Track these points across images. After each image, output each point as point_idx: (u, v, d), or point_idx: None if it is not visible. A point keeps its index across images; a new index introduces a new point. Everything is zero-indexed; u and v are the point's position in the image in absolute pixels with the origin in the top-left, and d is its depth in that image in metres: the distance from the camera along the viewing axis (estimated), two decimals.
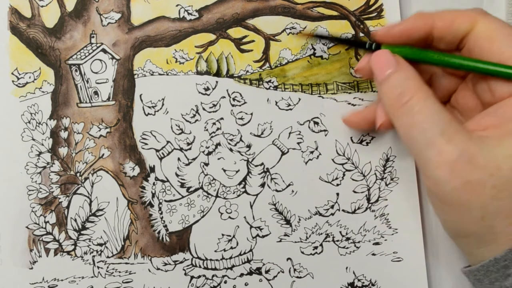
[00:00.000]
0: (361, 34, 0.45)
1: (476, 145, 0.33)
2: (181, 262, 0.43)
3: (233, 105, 0.44)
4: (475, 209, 0.33)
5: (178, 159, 0.44)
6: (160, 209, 0.43)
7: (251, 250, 0.43)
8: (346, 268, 0.43)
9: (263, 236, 0.43)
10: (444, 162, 0.33)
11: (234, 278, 0.43)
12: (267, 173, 0.44)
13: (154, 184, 0.44)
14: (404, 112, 0.35)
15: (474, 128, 0.36)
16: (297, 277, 0.43)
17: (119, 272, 0.43)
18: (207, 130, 0.44)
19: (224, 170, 0.44)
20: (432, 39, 0.38)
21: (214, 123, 0.44)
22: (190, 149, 0.44)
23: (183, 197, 0.44)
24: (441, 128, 0.33)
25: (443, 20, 0.37)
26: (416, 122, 0.34)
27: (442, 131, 0.33)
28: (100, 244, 0.43)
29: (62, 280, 0.43)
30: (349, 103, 0.44)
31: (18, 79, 0.44)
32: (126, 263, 0.43)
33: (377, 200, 0.44)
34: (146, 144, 0.44)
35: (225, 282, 0.43)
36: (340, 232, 0.43)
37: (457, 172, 0.33)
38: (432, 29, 0.37)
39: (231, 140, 0.44)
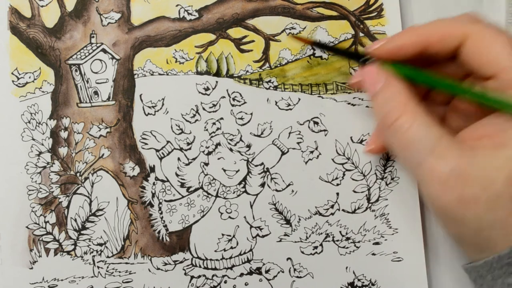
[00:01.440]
0: (361, 34, 0.45)
1: (468, 160, 0.33)
2: (181, 262, 0.43)
3: (233, 105, 0.44)
4: (470, 222, 0.33)
5: (178, 159, 0.44)
6: (160, 209, 0.43)
7: (251, 250, 0.43)
8: (346, 268, 0.43)
9: (263, 236, 0.43)
10: (436, 179, 0.33)
11: (234, 278, 0.43)
12: (267, 173, 0.44)
13: (154, 184, 0.44)
14: (393, 133, 0.35)
15: (469, 137, 0.36)
16: (297, 277, 0.43)
17: (119, 272, 0.43)
18: (207, 130, 0.44)
19: (224, 170, 0.44)
20: (427, 53, 0.38)
21: (214, 123, 0.44)
22: (190, 149, 0.44)
23: (183, 197, 0.44)
24: (430, 147, 0.34)
25: (436, 35, 0.37)
26: (405, 143, 0.34)
27: (432, 149, 0.34)
28: (100, 244, 0.43)
29: (62, 280, 0.43)
30: (349, 103, 0.44)
31: (18, 79, 0.44)
32: (126, 263, 0.43)
33: (377, 200, 0.44)
34: (146, 144, 0.44)
35: (225, 282, 0.43)
36: (340, 232, 0.43)
37: (449, 188, 0.33)
38: (426, 45, 0.37)
39: (231, 140, 0.44)
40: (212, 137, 0.44)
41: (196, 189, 0.44)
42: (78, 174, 0.44)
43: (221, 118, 0.44)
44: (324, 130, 0.44)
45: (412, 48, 0.37)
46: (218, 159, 0.44)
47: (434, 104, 0.41)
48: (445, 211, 0.34)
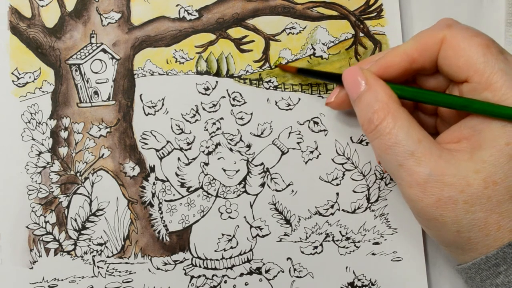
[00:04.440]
0: (361, 34, 0.45)
1: (446, 163, 0.34)
2: (181, 262, 0.43)
3: (233, 105, 0.44)
4: (449, 223, 0.34)
5: (178, 159, 0.44)
6: (160, 208, 0.43)
7: (251, 249, 0.43)
8: (346, 267, 0.43)
9: (263, 236, 0.43)
10: (416, 182, 0.34)
11: (234, 278, 0.43)
12: (267, 173, 0.44)
13: (154, 184, 0.44)
14: (375, 136, 0.35)
15: (448, 139, 0.36)
16: (297, 276, 0.43)
17: (119, 272, 0.43)
18: (207, 130, 0.44)
19: (224, 170, 0.44)
20: (414, 69, 0.37)
21: (214, 123, 0.44)
22: (190, 149, 0.44)
23: (183, 197, 0.44)
24: (410, 150, 0.34)
25: (416, 49, 0.36)
26: (387, 146, 0.35)
27: (412, 153, 0.34)
28: (100, 244, 0.43)
29: (62, 280, 0.43)
30: None
31: (18, 79, 0.44)
32: (126, 263, 0.43)
33: (376, 200, 0.44)
34: (146, 144, 0.44)
35: (225, 281, 0.43)
36: (340, 231, 0.43)
37: (428, 190, 0.34)
38: (409, 61, 0.37)
39: (231, 140, 0.44)
40: (212, 137, 0.44)
41: (196, 189, 0.44)
42: (78, 174, 0.44)
43: (221, 118, 0.44)
44: (324, 130, 0.44)
45: (397, 67, 0.37)
46: (218, 159, 0.44)
47: (425, 115, 0.41)
48: (424, 213, 0.35)
